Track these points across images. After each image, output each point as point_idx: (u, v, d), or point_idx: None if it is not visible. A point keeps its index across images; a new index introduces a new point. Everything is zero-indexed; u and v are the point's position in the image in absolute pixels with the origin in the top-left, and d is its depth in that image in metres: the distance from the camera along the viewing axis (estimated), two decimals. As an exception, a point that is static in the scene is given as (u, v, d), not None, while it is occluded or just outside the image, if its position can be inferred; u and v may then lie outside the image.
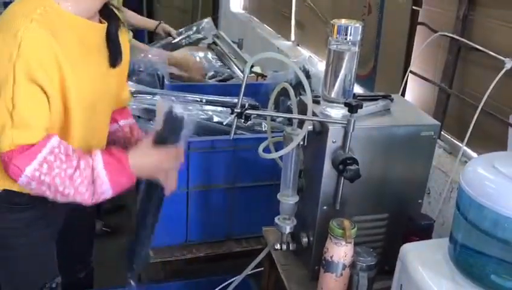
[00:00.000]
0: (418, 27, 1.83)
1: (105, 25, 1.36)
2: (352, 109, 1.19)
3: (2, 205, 1.36)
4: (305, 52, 2.89)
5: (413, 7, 1.82)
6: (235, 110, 1.24)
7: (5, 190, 1.33)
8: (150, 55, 2.35)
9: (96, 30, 1.35)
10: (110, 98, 1.47)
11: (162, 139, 1.31)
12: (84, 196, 1.25)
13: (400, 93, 1.81)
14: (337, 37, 1.23)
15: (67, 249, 1.60)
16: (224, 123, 1.82)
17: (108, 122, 1.52)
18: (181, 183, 1.78)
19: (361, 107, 1.20)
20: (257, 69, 2.64)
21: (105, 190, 1.26)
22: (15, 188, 1.32)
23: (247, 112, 1.23)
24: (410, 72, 1.81)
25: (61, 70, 1.22)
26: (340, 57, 1.25)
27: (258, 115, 1.41)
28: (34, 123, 1.21)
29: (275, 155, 1.29)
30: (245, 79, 1.26)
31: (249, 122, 1.82)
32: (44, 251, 1.48)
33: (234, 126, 1.30)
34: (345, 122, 1.21)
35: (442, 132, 1.72)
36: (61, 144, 1.24)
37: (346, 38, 1.23)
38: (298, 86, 1.91)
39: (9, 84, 1.15)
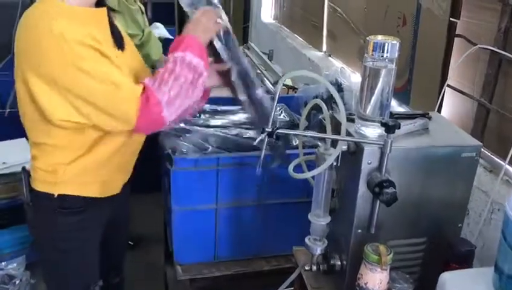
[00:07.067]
0: (456, 39, 1.76)
1: (105, 8, 1.43)
2: (389, 129, 1.13)
3: (55, 210, 1.44)
4: (336, 63, 2.83)
5: (451, 19, 1.75)
6: (266, 129, 1.20)
7: (59, 195, 1.42)
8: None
9: (100, 16, 1.41)
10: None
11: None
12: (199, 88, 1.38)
13: (437, 107, 1.74)
14: (373, 54, 1.18)
15: (105, 257, 1.66)
16: (255, 143, 1.78)
17: None
18: (210, 199, 1.76)
19: (399, 128, 1.14)
20: (288, 81, 2.61)
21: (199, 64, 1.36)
22: (69, 191, 1.41)
23: (278, 131, 1.20)
24: (448, 86, 1.74)
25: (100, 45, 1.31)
26: (376, 75, 1.19)
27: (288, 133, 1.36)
28: (124, 78, 1.32)
29: (305, 175, 1.25)
30: (276, 98, 1.22)
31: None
32: (91, 255, 1.56)
33: (265, 145, 1.26)
34: (382, 142, 1.16)
35: (481, 149, 1.64)
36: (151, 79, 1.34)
37: (382, 56, 1.17)
38: (330, 99, 1.86)
39: (82, 67, 1.24)
